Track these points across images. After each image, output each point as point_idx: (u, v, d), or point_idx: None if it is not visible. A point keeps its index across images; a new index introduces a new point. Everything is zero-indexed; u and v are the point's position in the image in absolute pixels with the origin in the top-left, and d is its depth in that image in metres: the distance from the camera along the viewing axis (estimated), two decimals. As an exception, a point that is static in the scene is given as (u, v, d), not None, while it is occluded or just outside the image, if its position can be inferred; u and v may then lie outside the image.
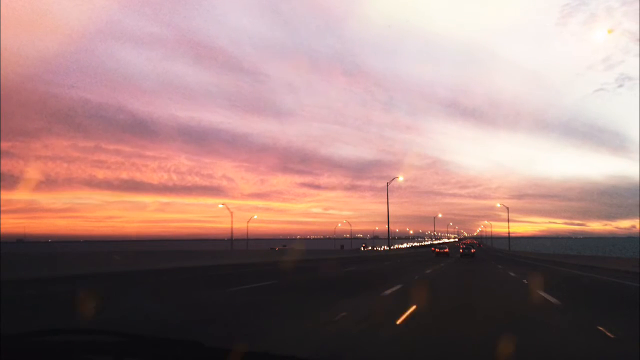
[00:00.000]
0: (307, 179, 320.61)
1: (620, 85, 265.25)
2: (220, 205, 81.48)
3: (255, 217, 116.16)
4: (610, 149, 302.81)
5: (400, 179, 66.49)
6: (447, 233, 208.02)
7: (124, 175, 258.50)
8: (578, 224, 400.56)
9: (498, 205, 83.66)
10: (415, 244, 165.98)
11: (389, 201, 59.55)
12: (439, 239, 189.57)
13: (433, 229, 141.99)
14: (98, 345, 1.82)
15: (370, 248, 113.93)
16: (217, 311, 9.08)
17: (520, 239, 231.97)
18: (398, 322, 7.93)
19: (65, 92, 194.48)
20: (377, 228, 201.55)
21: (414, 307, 9.82)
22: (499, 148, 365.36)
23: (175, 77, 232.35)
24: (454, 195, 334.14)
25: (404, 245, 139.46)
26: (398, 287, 13.69)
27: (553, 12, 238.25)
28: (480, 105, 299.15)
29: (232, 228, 78.02)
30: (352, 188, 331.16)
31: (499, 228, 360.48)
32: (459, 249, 61.65)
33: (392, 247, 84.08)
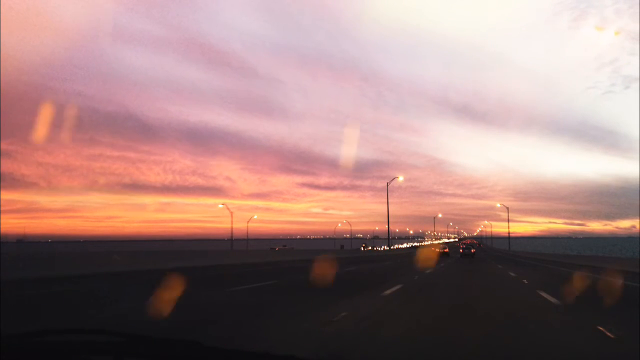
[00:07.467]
0: (308, 179, 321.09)
1: (627, 87, 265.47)
2: (220, 205, 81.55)
3: (255, 217, 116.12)
4: (620, 151, 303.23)
5: (400, 179, 66.59)
6: (447, 233, 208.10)
7: (127, 179, 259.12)
8: (578, 224, 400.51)
9: (498, 205, 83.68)
10: (415, 244, 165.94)
11: (389, 201, 59.59)
12: (439, 239, 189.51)
13: (433, 229, 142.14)
14: (98, 345, 1.82)
15: (370, 248, 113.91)
16: (217, 311, 9.08)
17: (520, 239, 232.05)
18: (398, 322, 7.94)
19: (71, 99, 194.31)
20: (377, 228, 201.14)
21: (414, 307, 9.83)
22: (508, 151, 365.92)
23: (186, 81, 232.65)
24: (455, 195, 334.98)
25: (404, 245, 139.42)
26: (398, 287, 13.70)
27: (563, 16, 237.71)
28: (491, 109, 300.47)
29: (232, 228, 78.09)
30: (352, 188, 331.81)
31: (499, 228, 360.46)
32: (459, 249, 61.63)
33: (392, 247, 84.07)
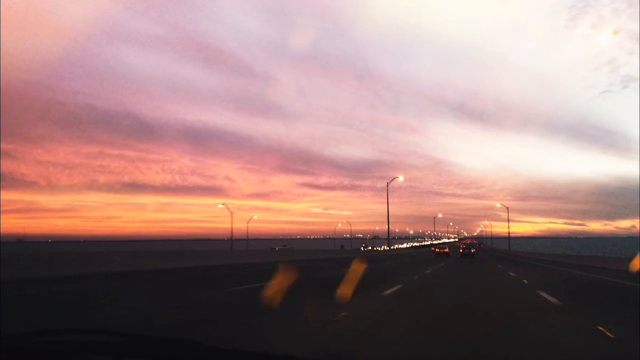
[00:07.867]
0: (308, 179, 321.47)
1: (625, 87, 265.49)
2: (220, 205, 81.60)
3: (255, 217, 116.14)
4: (618, 151, 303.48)
5: (400, 179, 66.65)
6: (447, 233, 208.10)
7: (127, 178, 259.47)
8: (578, 224, 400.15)
9: (498, 205, 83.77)
10: (415, 244, 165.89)
11: (389, 201, 59.61)
12: (439, 239, 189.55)
13: (433, 229, 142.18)
14: (98, 345, 1.82)
15: (370, 248, 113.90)
16: (217, 311, 9.08)
17: (521, 239, 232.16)
18: (398, 322, 7.94)
19: (70, 98, 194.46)
20: (377, 228, 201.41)
21: (414, 307, 9.83)
22: (506, 150, 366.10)
23: (183, 80, 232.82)
24: (455, 195, 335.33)
25: (404, 245, 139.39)
26: (398, 287, 13.70)
27: (561, 15, 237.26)
28: (488, 107, 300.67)
29: (232, 228, 78.12)
30: (352, 188, 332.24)
31: (499, 228, 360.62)
32: (459, 249, 61.64)
33: (392, 247, 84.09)
